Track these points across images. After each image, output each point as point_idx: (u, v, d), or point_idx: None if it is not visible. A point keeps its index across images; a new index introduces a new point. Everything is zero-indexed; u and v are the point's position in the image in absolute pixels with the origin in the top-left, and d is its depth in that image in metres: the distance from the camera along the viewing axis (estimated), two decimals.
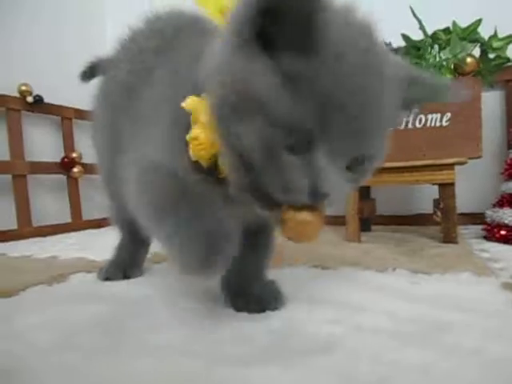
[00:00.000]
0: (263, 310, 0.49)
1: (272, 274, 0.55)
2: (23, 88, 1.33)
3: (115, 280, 0.68)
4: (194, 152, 0.38)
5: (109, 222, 0.74)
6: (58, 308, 0.54)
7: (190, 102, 0.38)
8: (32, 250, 1.04)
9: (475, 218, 1.19)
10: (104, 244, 0.86)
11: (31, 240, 1.26)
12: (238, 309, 0.50)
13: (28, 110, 1.36)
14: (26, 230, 1.31)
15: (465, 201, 1.25)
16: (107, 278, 0.68)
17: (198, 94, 0.38)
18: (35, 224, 1.34)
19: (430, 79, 0.40)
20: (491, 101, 1.18)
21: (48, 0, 1.50)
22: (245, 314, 0.49)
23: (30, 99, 1.34)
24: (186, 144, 0.39)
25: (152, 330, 0.45)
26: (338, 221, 1.00)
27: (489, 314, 0.46)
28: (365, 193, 1.13)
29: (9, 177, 1.30)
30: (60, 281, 0.68)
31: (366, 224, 1.18)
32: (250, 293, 0.51)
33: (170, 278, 0.67)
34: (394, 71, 0.35)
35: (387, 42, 0.95)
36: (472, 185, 1.24)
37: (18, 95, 1.33)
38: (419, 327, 0.43)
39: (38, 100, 1.37)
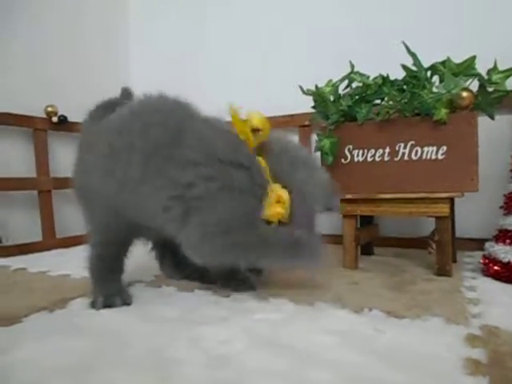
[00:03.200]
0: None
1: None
2: (49, 109, 1.44)
3: (116, 307, 0.74)
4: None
5: None
6: (45, 342, 0.60)
7: None
8: (50, 265, 1.13)
9: (482, 243, 1.17)
10: None
11: (55, 252, 1.37)
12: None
13: (53, 130, 1.46)
14: (51, 241, 1.41)
15: (473, 225, 1.23)
16: (107, 306, 0.74)
17: None
18: (59, 236, 1.45)
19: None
20: (504, 125, 1.16)
21: (69, 21, 1.60)
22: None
23: (55, 119, 1.44)
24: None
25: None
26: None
27: (434, 376, 0.47)
28: (366, 219, 1.14)
29: (35, 192, 1.41)
30: (61, 307, 0.76)
31: (368, 247, 1.19)
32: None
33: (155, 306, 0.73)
34: None
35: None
36: (480, 209, 1.22)
37: (44, 116, 1.43)
38: None
39: (63, 120, 1.47)
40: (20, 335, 0.62)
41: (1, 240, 1.26)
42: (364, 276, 0.94)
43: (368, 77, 1.02)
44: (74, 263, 1.16)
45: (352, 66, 1.01)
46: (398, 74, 0.97)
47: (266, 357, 0.53)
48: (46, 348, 0.57)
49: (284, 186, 0.72)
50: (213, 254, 0.69)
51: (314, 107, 1.08)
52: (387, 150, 0.96)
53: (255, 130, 0.72)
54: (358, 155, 1.00)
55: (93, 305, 0.74)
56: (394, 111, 0.95)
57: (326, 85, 1.05)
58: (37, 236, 1.39)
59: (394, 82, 0.95)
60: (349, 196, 1.01)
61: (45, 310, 0.74)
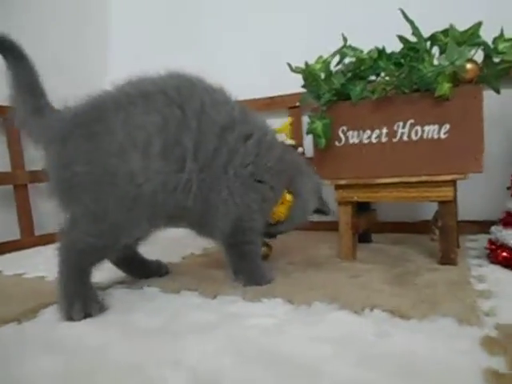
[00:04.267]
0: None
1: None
2: None
3: (78, 320, 0.65)
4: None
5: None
6: (10, 363, 0.53)
7: None
8: (27, 266, 1.05)
9: (486, 225, 1.11)
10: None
11: (33, 250, 1.29)
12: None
13: None
14: (29, 239, 1.33)
15: (475, 206, 1.17)
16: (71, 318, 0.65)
17: None
18: (38, 233, 1.37)
19: None
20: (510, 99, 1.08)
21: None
22: None
23: None
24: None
25: None
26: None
27: None
28: (362, 204, 1.06)
29: (10, 187, 1.32)
30: (32, 317, 0.68)
31: (365, 235, 1.12)
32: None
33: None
34: None
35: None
36: (483, 189, 1.16)
37: None
38: None
39: None
40: None
41: None
42: (363, 268, 0.87)
43: (361, 51, 0.93)
44: (51, 263, 1.08)
45: (345, 40, 0.93)
46: (394, 47, 0.88)
47: (256, 374, 0.46)
48: (11, 370, 0.50)
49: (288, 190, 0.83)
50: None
51: (303, 86, 0.99)
52: (384, 130, 0.88)
53: None
54: (352, 137, 0.92)
55: (68, 314, 0.65)
56: (391, 88, 0.87)
57: (317, 61, 0.97)
58: (14, 234, 1.31)
59: (390, 56, 0.87)
60: (343, 182, 0.93)
61: (14, 321, 0.66)
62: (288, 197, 0.82)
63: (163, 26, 1.68)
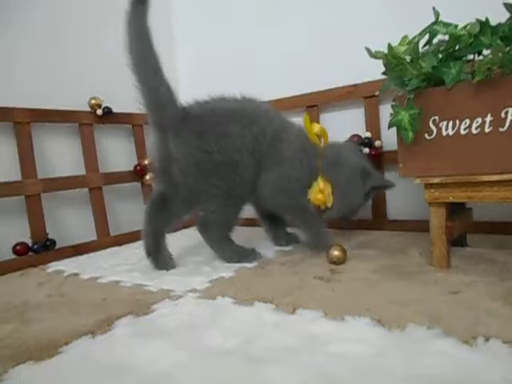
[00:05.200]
0: None
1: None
2: (93, 102, 1.36)
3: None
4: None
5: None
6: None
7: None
8: (102, 269, 1.06)
9: None
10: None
11: (109, 251, 1.32)
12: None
13: (99, 123, 1.39)
14: (105, 240, 1.36)
15: None
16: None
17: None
18: (113, 233, 1.39)
19: None
20: None
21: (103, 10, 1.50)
22: None
23: (99, 112, 1.37)
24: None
25: None
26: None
27: None
28: (457, 204, 0.92)
29: (86, 190, 1.35)
30: (105, 330, 0.66)
31: (459, 238, 0.98)
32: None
33: None
34: None
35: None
36: None
37: (89, 109, 1.36)
38: None
39: (108, 112, 1.39)
40: (55, 376, 0.53)
41: (54, 242, 1.22)
42: (462, 280, 0.75)
43: (456, 25, 0.80)
44: (124, 267, 1.09)
45: (437, 14, 0.80)
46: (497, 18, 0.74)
47: None
48: None
49: (329, 181, 1.01)
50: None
51: (384, 73, 0.88)
52: (488, 118, 0.74)
53: (318, 136, 1.06)
54: (447, 128, 0.79)
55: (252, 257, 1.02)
56: (496, 67, 0.73)
57: (401, 43, 0.85)
58: (91, 235, 1.35)
59: (496, 29, 0.73)
60: (436, 180, 0.81)
61: (87, 334, 0.65)
62: (321, 184, 1.00)
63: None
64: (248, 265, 0.98)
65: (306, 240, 1.09)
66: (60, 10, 1.35)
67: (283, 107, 1.38)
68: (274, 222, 1.18)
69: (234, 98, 1.02)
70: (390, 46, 0.81)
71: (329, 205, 1.01)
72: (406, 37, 0.86)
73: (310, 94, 1.39)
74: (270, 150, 1.00)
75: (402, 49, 0.83)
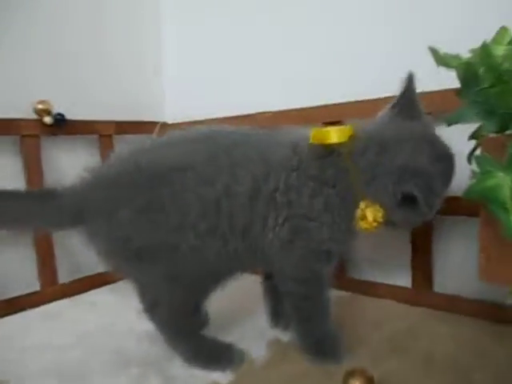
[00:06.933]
0: None
1: None
2: (40, 107, 1.02)
3: None
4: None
5: None
6: None
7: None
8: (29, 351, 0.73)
9: None
10: None
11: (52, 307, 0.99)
12: None
13: (48, 134, 1.05)
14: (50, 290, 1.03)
15: None
16: None
17: None
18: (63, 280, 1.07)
19: None
20: None
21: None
22: None
23: (48, 120, 1.02)
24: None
25: None
26: None
27: None
28: None
29: None
30: None
31: None
32: None
33: None
34: None
35: None
36: None
37: (34, 117, 1.02)
38: None
39: (60, 120, 1.04)
40: None
41: None
42: None
43: None
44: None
45: None
46: None
47: None
48: None
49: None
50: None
51: (459, 93, 0.50)
52: None
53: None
54: None
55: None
56: None
57: (497, 41, 0.47)
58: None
59: None
60: None
61: None
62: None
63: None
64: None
65: (302, 345, 0.69)
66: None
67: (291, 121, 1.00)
68: (275, 288, 0.76)
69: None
70: (485, 46, 0.43)
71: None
72: (505, 30, 0.47)
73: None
74: None
75: (500, 51, 0.45)
